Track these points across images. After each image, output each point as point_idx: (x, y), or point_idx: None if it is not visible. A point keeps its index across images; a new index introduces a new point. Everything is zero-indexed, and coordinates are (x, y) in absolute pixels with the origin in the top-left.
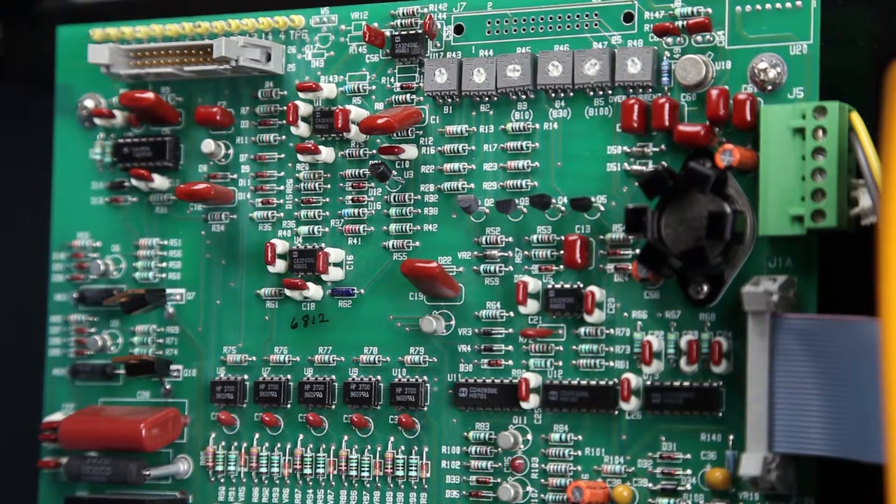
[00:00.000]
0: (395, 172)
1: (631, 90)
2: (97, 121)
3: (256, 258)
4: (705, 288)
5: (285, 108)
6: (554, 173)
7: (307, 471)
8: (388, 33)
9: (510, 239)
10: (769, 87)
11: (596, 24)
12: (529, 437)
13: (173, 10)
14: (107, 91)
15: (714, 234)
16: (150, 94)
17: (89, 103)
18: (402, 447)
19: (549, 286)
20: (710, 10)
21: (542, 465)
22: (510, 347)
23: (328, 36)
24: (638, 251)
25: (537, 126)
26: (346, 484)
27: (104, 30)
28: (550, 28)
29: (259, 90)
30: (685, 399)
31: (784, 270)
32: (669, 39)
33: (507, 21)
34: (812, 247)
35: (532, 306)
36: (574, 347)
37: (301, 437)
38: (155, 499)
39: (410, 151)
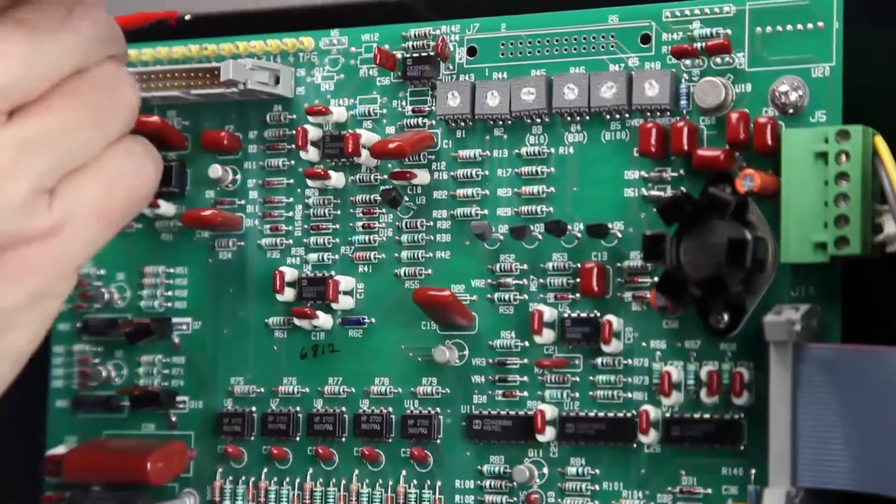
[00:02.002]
0: (406, 198)
1: (648, 113)
2: None
3: (265, 286)
4: (726, 317)
5: (294, 132)
6: (570, 199)
7: None
8: (399, 56)
9: (525, 266)
10: (790, 111)
11: (612, 46)
12: (545, 470)
13: (179, 32)
14: None
15: (734, 262)
16: (155, 118)
17: None
18: (415, 481)
19: (566, 315)
20: (729, 31)
21: (559, 500)
22: (525, 378)
23: (338, 58)
24: (656, 279)
25: (552, 150)
26: None
27: None
28: (566, 50)
29: (267, 114)
30: (706, 432)
31: (807, 299)
32: (688, 61)
33: (521, 43)
34: (835, 274)
35: (548, 336)
36: (591, 378)
37: (310, 470)
38: None
39: (422, 176)
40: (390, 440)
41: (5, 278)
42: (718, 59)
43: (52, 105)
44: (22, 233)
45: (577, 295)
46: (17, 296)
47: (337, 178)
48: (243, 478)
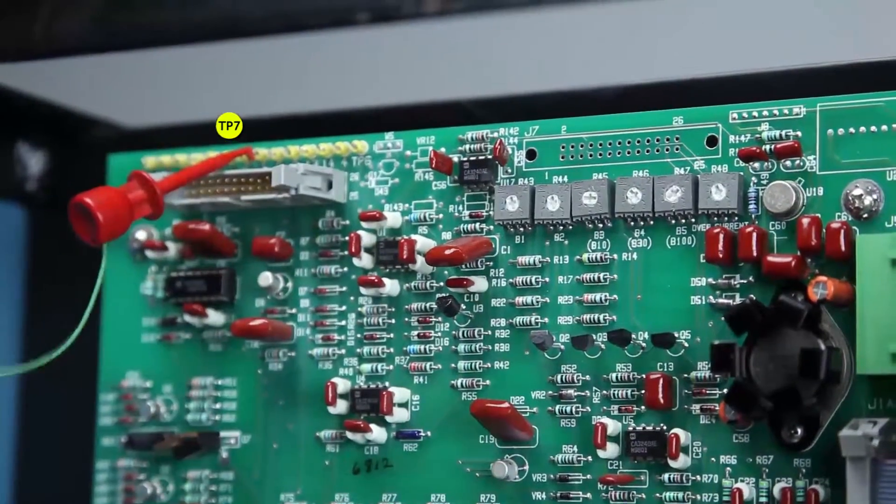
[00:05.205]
0: (463, 306)
1: (716, 218)
2: (149, 253)
3: (316, 398)
4: (799, 431)
5: (347, 238)
6: (634, 307)
7: None
8: (456, 159)
9: (587, 377)
10: (865, 215)
11: (677, 149)
12: None
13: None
14: (159, 222)
15: (808, 373)
16: (206, 226)
17: (141, 235)
18: None
19: (630, 428)
20: (799, 133)
21: None
22: (588, 495)
23: (392, 162)
24: (725, 391)
25: (615, 257)
26: None
27: (157, 158)
28: (629, 153)
29: (320, 220)
30: None
31: (885, 412)
32: (756, 164)
33: (582, 146)
34: None
35: (612, 450)
36: (658, 495)
37: None
38: None
39: (480, 284)
40: None
41: None
42: (788, 162)
43: None
44: None
45: (643, 407)
46: None
47: (391, 286)
48: None
